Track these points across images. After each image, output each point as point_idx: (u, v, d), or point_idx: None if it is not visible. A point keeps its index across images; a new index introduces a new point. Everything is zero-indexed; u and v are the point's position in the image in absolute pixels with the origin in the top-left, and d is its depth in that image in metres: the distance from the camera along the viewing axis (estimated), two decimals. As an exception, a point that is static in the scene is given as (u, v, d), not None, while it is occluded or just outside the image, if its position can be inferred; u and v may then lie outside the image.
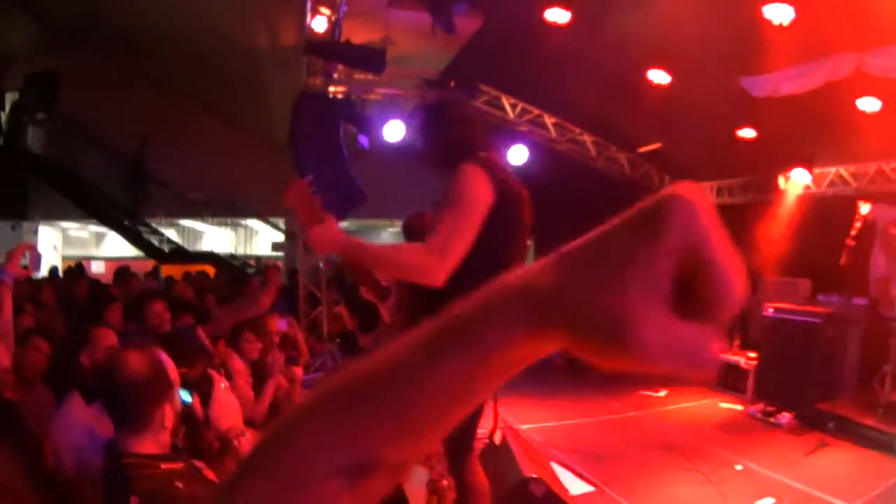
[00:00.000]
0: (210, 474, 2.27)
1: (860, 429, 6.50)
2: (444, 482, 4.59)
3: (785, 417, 6.99)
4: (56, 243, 16.76)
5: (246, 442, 2.40)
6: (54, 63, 13.08)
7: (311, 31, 7.21)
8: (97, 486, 2.22)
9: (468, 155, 2.85)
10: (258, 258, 16.08)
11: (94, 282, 9.33)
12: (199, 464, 2.33)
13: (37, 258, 3.40)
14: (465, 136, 3.01)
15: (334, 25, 7.27)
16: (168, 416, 2.21)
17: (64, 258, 16.01)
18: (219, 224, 16.59)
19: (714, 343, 0.44)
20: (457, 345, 0.49)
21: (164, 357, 2.35)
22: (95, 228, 17.35)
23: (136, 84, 13.29)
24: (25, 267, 3.43)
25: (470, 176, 2.73)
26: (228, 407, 2.44)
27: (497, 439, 4.54)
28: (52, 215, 15.05)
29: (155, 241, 14.39)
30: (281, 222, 15.07)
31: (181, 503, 2.01)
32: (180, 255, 14.32)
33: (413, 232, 4.50)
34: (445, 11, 7.20)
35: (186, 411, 2.61)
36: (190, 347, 3.82)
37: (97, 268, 16.52)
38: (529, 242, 3.21)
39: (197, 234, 17.83)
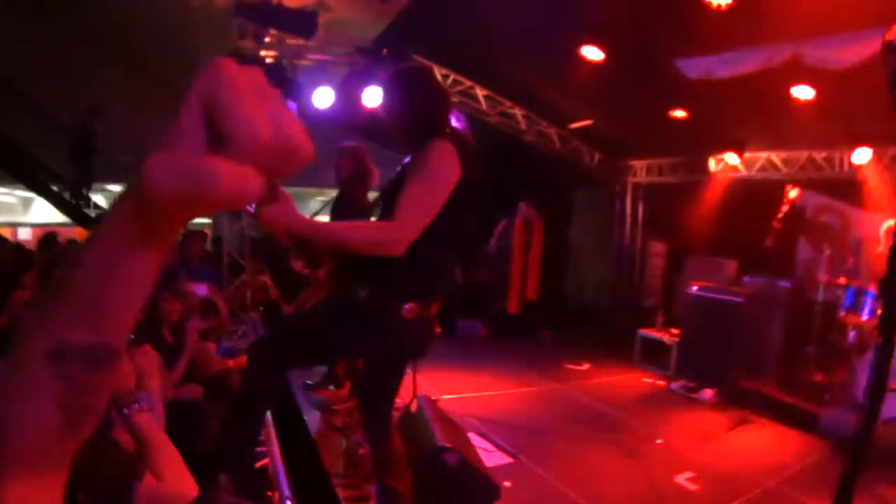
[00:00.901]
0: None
1: (783, 406, 6.65)
2: (361, 450, 4.59)
3: (707, 394, 7.14)
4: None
5: (137, 412, 2.27)
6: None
7: (244, -8, 7.01)
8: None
9: (441, 129, 2.81)
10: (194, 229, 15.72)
11: (19, 247, 9.11)
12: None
13: None
14: (440, 110, 2.93)
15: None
16: None
17: (-9, 224, 15.44)
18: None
19: (237, 170, 0.52)
20: (99, 231, 0.60)
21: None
22: (23, 193, 16.79)
23: (68, 44, 12.81)
24: None
25: (444, 153, 2.69)
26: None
27: (413, 408, 4.54)
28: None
29: (83, 206, 13.96)
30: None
31: None
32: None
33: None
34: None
35: None
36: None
37: (24, 234, 15.98)
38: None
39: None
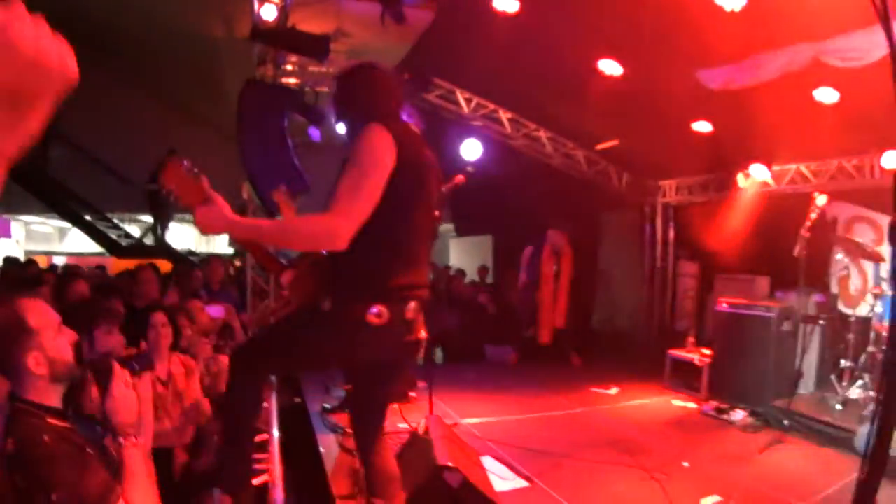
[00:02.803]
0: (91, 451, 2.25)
1: (817, 426, 6.36)
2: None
3: (738, 415, 6.88)
4: (20, 238, 16.50)
5: (131, 444, 2.35)
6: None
7: (261, 19, 7.08)
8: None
9: (371, 116, 2.74)
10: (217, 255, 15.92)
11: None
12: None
13: (3, 225, 3.17)
14: (371, 100, 2.89)
15: (283, 13, 7.14)
16: (39, 362, 2.25)
17: (26, 253, 15.74)
18: (179, 221, 16.36)
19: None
20: None
21: (33, 305, 2.35)
22: (59, 223, 17.11)
23: (99, 77, 13.06)
24: None
25: (372, 135, 2.62)
26: (125, 402, 2.39)
27: (421, 429, 4.42)
28: (15, 209, 14.76)
29: (113, 235, 14.20)
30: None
31: (42, 457, 2.06)
32: (138, 250, 14.13)
33: None
34: (395, 1, 7.10)
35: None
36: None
37: (59, 263, 16.27)
38: (438, 213, 3.07)
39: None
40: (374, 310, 2.68)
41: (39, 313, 2.33)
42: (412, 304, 2.81)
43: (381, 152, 2.60)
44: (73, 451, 2.15)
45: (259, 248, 3.08)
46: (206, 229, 2.58)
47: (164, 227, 14.29)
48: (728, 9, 5.32)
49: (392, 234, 2.70)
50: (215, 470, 3.21)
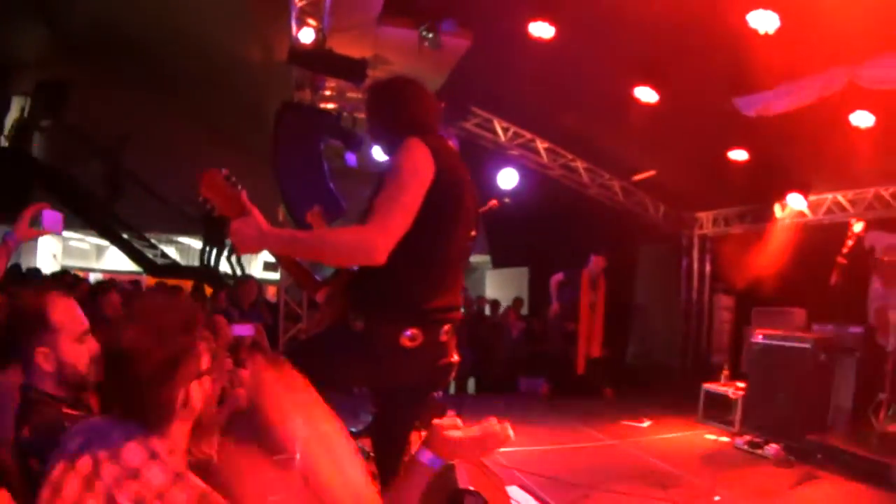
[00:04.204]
0: None
1: (853, 459, 6.15)
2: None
3: (772, 449, 6.71)
4: (56, 252, 16.74)
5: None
6: (63, 72, 13.19)
7: (298, 42, 7.14)
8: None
9: (408, 130, 2.69)
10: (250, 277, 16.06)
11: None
12: None
13: (54, 219, 3.15)
14: (408, 114, 2.83)
15: (321, 37, 7.20)
16: (48, 360, 2.22)
17: (63, 268, 15.98)
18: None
19: None
20: None
21: (62, 303, 2.32)
22: (96, 240, 17.36)
23: (141, 101, 13.35)
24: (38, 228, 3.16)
25: (410, 149, 2.57)
26: None
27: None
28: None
29: (150, 254, 14.39)
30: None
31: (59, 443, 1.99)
32: (172, 269, 14.29)
33: None
34: (432, 27, 7.15)
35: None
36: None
37: (95, 280, 16.50)
38: (474, 233, 3.00)
39: (195, 252, 17.82)
40: (409, 333, 2.61)
41: (65, 313, 2.30)
42: (446, 327, 2.73)
43: (420, 166, 2.54)
44: None
45: (295, 264, 3.05)
46: (241, 243, 2.48)
47: (219, 252, 14.38)
48: (762, 31, 5.29)
49: (429, 253, 2.63)
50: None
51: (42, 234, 3.14)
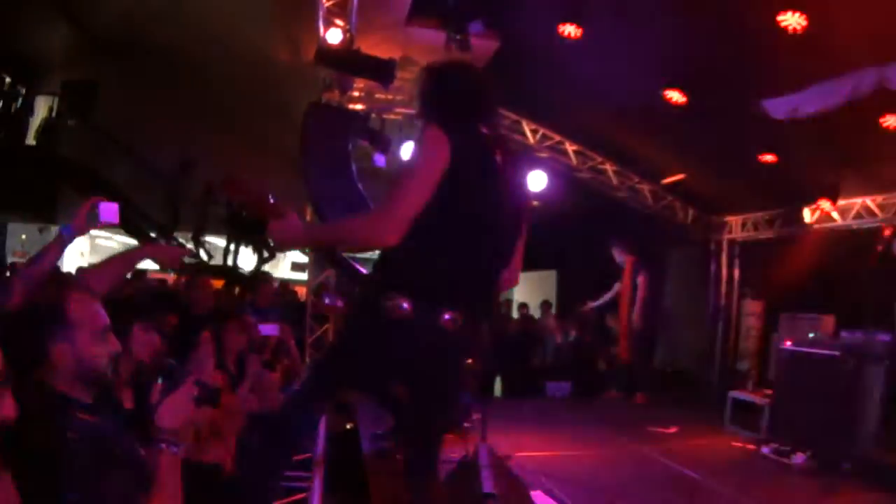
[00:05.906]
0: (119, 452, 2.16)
1: (882, 468, 6.11)
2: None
3: (799, 457, 6.63)
4: (84, 250, 16.87)
5: (167, 452, 2.18)
6: (90, 72, 13.28)
7: (326, 42, 7.13)
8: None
9: (436, 117, 2.71)
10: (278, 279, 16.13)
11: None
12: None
13: (110, 211, 3.15)
14: (446, 101, 2.82)
15: (349, 37, 7.18)
16: (65, 356, 2.15)
17: (91, 266, 16.10)
18: (246, 243, 16.59)
19: None
20: None
21: (82, 299, 2.25)
22: (123, 239, 17.48)
23: (168, 96, 13.43)
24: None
25: (426, 137, 2.61)
26: (175, 411, 2.25)
27: (470, 455, 4.36)
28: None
29: (177, 253, 14.48)
30: (304, 242, 15.01)
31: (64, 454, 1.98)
32: (198, 269, 14.34)
33: None
34: (461, 29, 7.13)
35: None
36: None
37: (122, 278, 16.61)
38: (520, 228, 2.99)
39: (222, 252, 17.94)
40: (448, 315, 2.63)
41: (85, 309, 2.25)
42: (481, 313, 2.83)
43: (431, 153, 2.55)
44: (98, 450, 2.06)
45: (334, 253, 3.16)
46: (282, 242, 2.63)
47: (254, 251, 14.52)
48: (791, 29, 5.24)
49: (454, 238, 2.62)
50: (238, 483, 3.19)
51: (99, 226, 3.14)
